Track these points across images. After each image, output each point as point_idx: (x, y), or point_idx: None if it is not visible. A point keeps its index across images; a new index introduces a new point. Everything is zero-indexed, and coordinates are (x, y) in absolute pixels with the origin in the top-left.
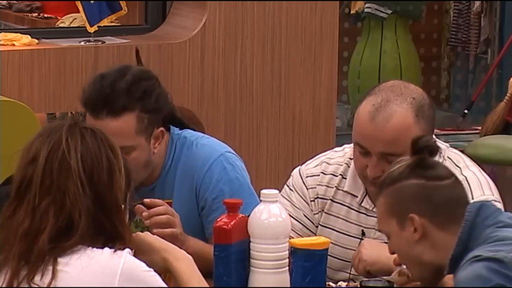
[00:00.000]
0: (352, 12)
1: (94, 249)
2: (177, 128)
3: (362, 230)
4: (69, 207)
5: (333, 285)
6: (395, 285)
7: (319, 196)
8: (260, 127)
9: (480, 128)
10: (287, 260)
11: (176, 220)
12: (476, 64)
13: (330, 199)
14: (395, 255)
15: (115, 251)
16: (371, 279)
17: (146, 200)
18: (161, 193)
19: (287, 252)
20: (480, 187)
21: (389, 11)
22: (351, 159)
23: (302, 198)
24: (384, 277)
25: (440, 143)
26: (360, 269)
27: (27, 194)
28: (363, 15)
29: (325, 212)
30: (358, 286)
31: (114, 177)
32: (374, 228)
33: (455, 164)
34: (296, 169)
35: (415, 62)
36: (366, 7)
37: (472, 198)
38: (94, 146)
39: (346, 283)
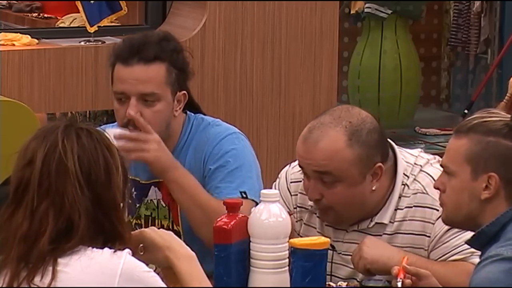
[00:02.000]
0: (352, 12)
1: (94, 249)
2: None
3: (331, 244)
4: (69, 209)
5: (333, 285)
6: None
7: (298, 205)
8: (260, 127)
9: None
10: (287, 260)
11: (150, 140)
12: (476, 64)
13: (309, 210)
14: (396, 255)
15: (115, 251)
16: (371, 279)
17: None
18: None
19: (287, 252)
20: None
21: (389, 11)
22: None
23: (286, 204)
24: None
25: (410, 155)
26: (360, 266)
27: (25, 196)
28: (363, 15)
29: (305, 224)
30: (358, 286)
31: (112, 177)
32: (342, 241)
33: (422, 169)
34: (284, 171)
35: (415, 62)
36: (366, 7)
37: None
38: (91, 146)
39: (346, 283)
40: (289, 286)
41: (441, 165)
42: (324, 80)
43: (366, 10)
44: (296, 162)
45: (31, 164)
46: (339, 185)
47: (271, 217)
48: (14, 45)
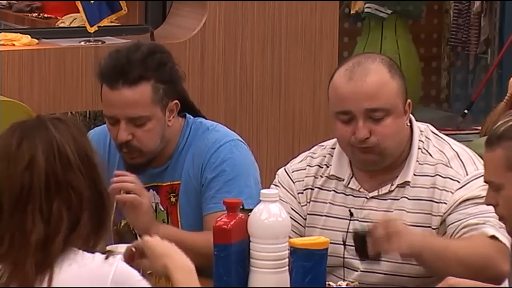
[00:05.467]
0: (352, 12)
1: (85, 254)
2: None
3: (350, 211)
4: (75, 202)
5: (333, 285)
6: None
7: (309, 187)
8: (260, 127)
9: (480, 128)
10: (287, 260)
11: (144, 192)
12: (476, 64)
13: (318, 188)
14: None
15: (107, 257)
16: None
17: (118, 172)
18: (173, 174)
19: (287, 252)
20: (472, 162)
21: (389, 11)
22: (333, 148)
23: (289, 192)
24: None
25: (421, 124)
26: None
27: (29, 202)
28: (363, 15)
29: (312, 201)
30: (358, 286)
31: (97, 159)
32: (362, 208)
33: (443, 139)
34: (281, 169)
35: (415, 62)
36: (366, 7)
37: (466, 174)
38: (78, 135)
39: (346, 283)
40: (289, 286)
41: (485, 182)
42: (324, 80)
43: (366, 10)
44: (294, 159)
45: (31, 165)
46: (388, 119)
47: (271, 217)
48: (14, 45)
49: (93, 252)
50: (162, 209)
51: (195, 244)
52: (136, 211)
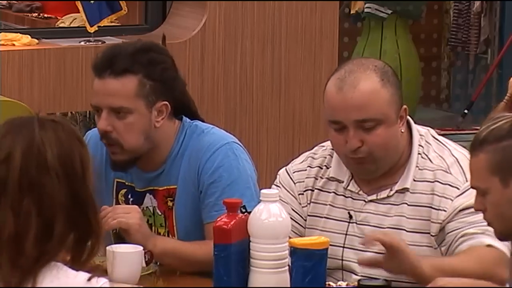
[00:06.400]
0: (352, 12)
1: (69, 271)
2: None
3: (349, 213)
4: (47, 205)
5: (333, 285)
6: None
7: (309, 188)
8: (260, 127)
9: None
10: (287, 260)
11: (129, 211)
12: (476, 64)
13: (318, 189)
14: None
15: (89, 279)
16: (370, 277)
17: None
18: (168, 178)
19: (287, 252)
20: None
21: (389, 11)
22: (333, 149)
23: (290, 193)
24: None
25: (421, 128)
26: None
27: (3, 196)
28: (363, 15)
29: (313, 202)
30: (358, 286)
31: (87, 171)
32: (360, 211)
33: (443, 145)
34: (282, 169)
35: (415, 62)
36: (366, 7)
37: (466, 180)
38: (67, 140)
39: (346, 283)
40: (289, 286)
41: (472, 187)
42: (324, 80)
43: (366, 10)
44: (296, 159)
45: (8, 160)
46: (379, 128)
47: (271, 217)
48: (14, 45)
49: (77, 270)
50: (160, 213)
51: (195, 256)
52: (126, 232)
